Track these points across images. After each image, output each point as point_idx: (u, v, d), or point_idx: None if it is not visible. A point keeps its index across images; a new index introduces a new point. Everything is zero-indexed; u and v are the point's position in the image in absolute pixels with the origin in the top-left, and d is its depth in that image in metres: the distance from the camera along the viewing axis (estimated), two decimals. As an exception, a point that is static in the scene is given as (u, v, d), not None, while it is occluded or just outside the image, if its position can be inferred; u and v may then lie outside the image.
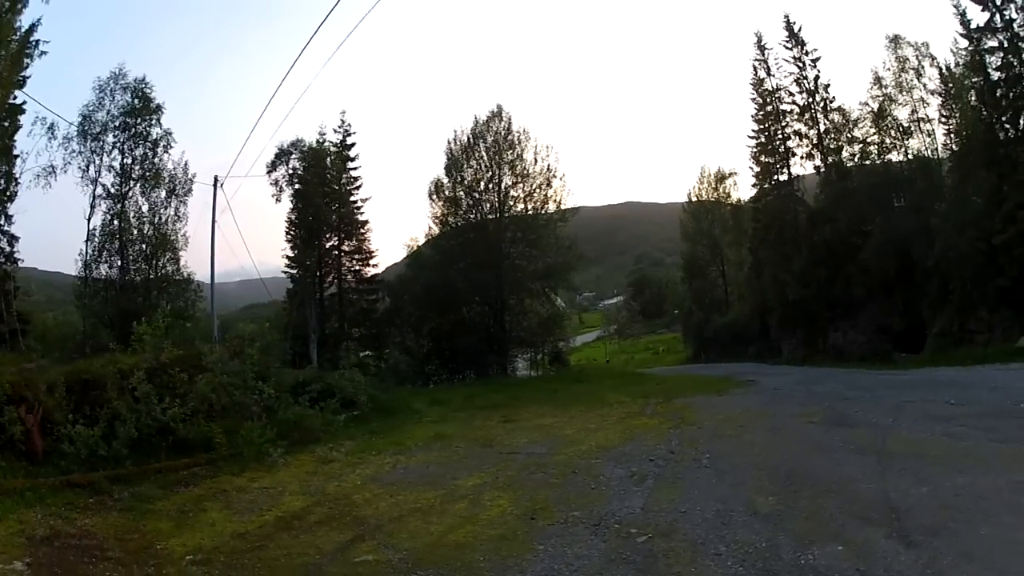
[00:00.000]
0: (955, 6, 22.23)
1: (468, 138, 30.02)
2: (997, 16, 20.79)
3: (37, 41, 19.97)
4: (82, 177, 21.97)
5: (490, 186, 29.79)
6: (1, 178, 20.11)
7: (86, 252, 22.39)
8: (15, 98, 19.63)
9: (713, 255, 47.90)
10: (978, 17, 21.83)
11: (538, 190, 29.80)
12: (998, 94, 21.35)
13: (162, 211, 23.89)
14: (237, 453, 9.11)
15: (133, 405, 8.98)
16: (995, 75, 21.53)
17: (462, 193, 30.27)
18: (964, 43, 22.72)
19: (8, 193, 20.35)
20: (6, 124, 19.81)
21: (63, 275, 25.63)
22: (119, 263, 22.76)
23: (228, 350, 11.32)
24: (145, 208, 23.39)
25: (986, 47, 21.52)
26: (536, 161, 29.68)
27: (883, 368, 21.66)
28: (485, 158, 29.84)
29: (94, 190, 22.18)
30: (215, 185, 23.05)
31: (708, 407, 13.11)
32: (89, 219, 22.18)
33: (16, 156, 20.35)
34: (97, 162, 22.05)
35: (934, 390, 12.61)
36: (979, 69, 21.96)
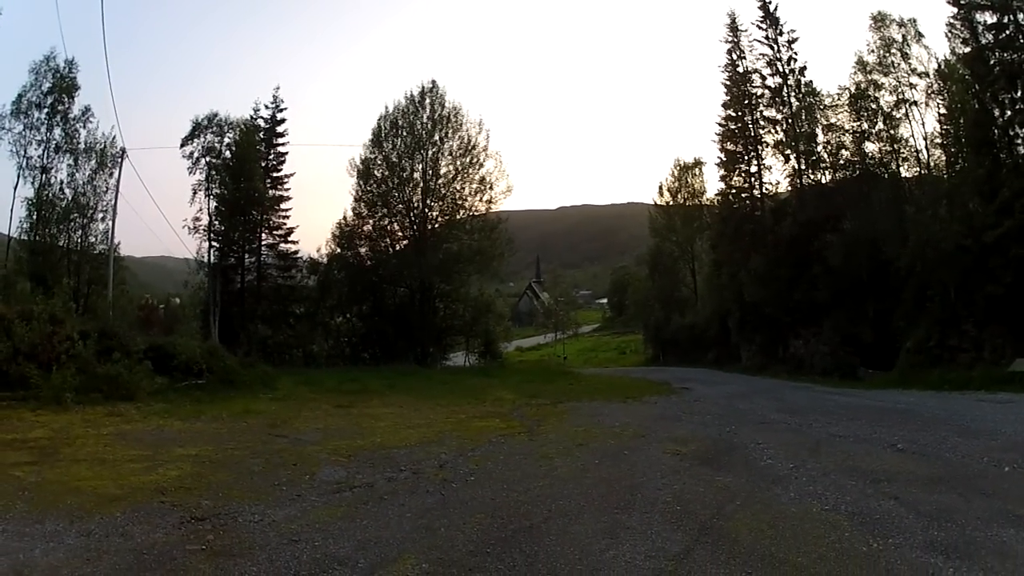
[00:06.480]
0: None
1: (399, 112, 28.65)
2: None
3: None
4: (12, 152, 23.62)
5: (416, 163, 28.39)
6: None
7: (10, 219, 23.90)
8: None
9: (682, 251, 44.20)
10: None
11: (469, 169, 28.43)
12: (992, 62, 17.26)
13: (84, 184, 24.69)
14: (46, 395, 10.36)
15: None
16: (986, 37, 17.39)
17: (387, 170, 28.80)
18: (952, 10, 18.64)
19: None
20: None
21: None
22: (36, 232, 24.14)
23: (53, 308, 12.45)
24: (66, 179, 24.41)
25: (976, 3, 17.34)
26: (468, 139, 28.45)
27: (841, 385, 18.81)
28: (415, 132, 28.52)
29: (20, 163, 23.68)
30: (122, 156, 24.08)
31: (588, 416, 10.97)
32: (15, 188, 23.79)
33: None
34: (27, 136, 23.74)
35: (883, 423, 9.18)
36: (968, 36, 17.87)
